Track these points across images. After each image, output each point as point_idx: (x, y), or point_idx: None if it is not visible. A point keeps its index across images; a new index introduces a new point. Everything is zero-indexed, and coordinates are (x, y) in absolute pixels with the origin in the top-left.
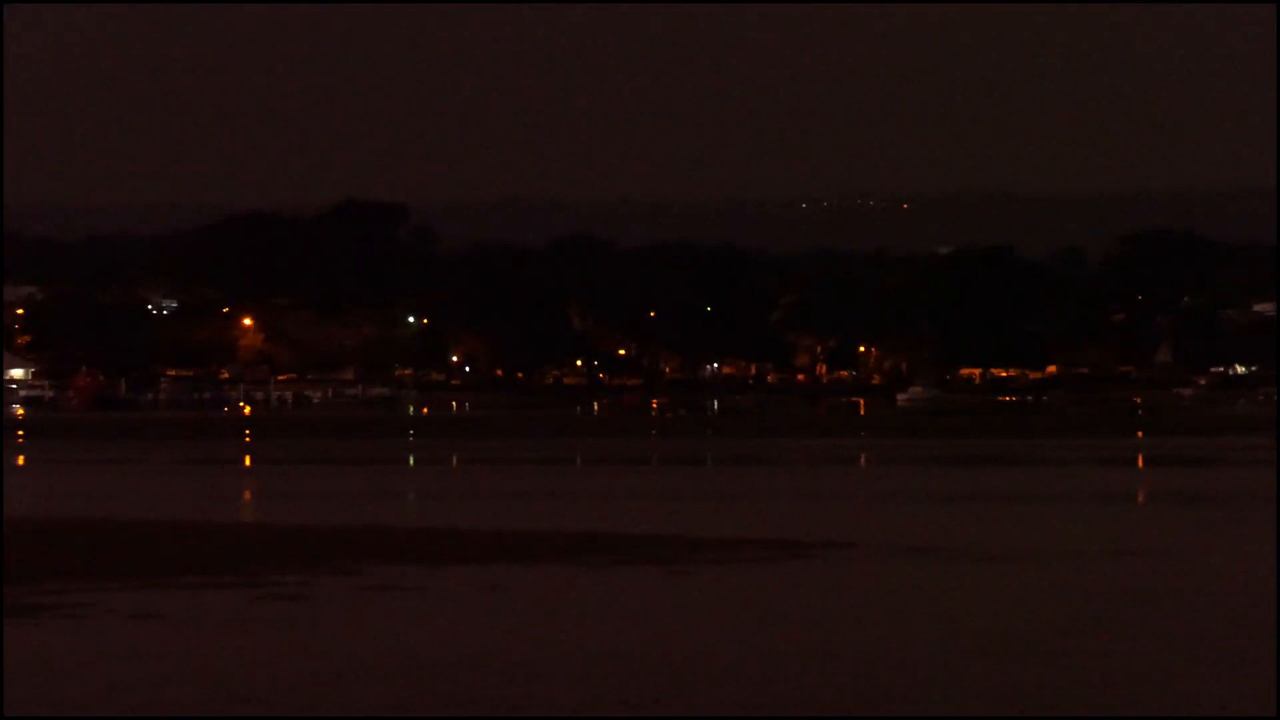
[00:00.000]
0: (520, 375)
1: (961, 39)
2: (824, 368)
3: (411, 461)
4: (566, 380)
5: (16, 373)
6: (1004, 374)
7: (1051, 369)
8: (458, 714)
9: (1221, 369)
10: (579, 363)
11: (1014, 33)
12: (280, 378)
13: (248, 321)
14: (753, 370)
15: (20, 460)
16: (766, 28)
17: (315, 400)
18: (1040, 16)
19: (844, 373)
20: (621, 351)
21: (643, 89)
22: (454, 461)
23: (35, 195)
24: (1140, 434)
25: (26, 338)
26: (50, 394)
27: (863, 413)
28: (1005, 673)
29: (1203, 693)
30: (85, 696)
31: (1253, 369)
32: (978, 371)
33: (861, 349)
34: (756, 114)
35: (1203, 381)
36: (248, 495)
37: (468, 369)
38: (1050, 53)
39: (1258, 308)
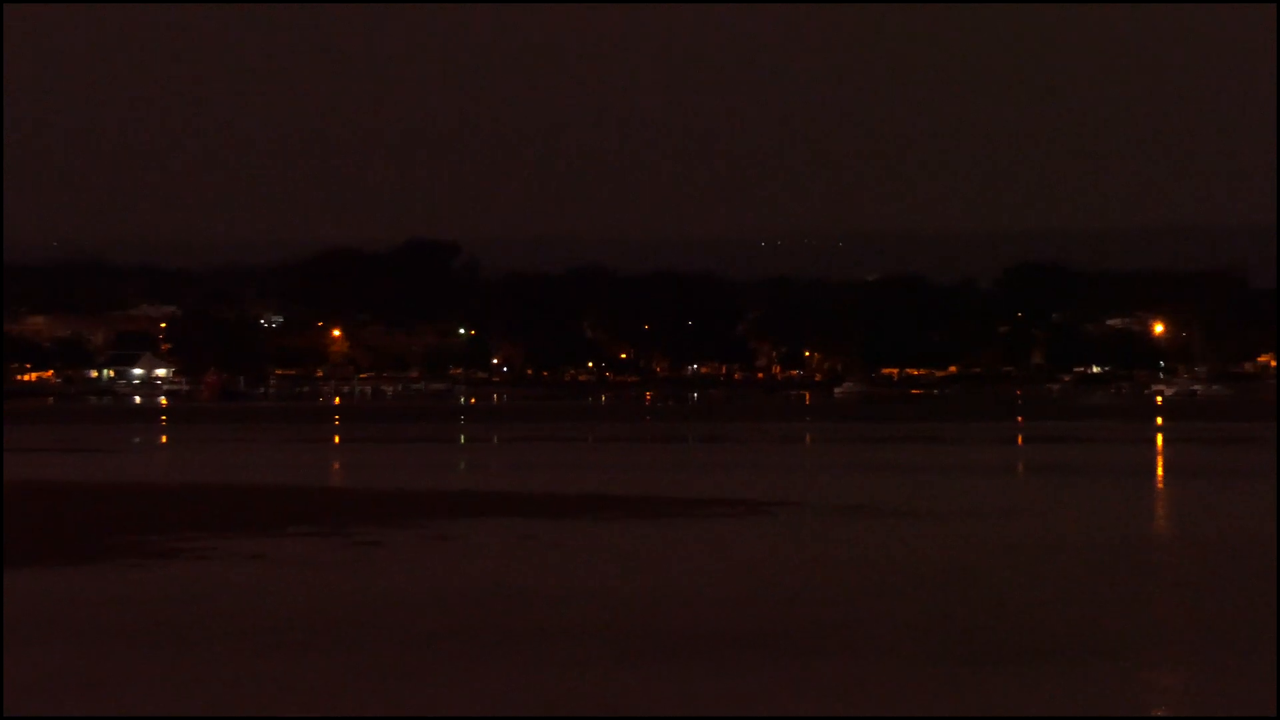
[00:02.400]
0: (545, 373)
1: (887, 106)
2: (778, 368)
3: (462, 440)
4: (581, 377)
5: (160, 372)
6: (915, 373)
7: (952, 369)
8: (495, 630)
9: (1082, 369)
10: (590, 364)
11: (930, 98)
12: (362, 375)
13: (336, 332)
14: (724, 370)
15: (163, 439)
16: (736, 97)
17: (389, 393)
18: (948, 83)
19: (793, 372)
20: (623, 355)
21: (639, 149)
22: (495, 440)
23: (175, 234)
24: (1020, 419)
25: (168, 345)
26: (185, 388)
27: (808, 402)
28: (908, 603)
29: (1063, 617)
30: (208, 615)
31: (1106, 369)
32: (896, 371)
33: (807, 353)
34: (728, 169)
35: (1067, 379)
36: (336, 466)
37: (505, 369)
38: (955, 112)
39: (1110, 322)
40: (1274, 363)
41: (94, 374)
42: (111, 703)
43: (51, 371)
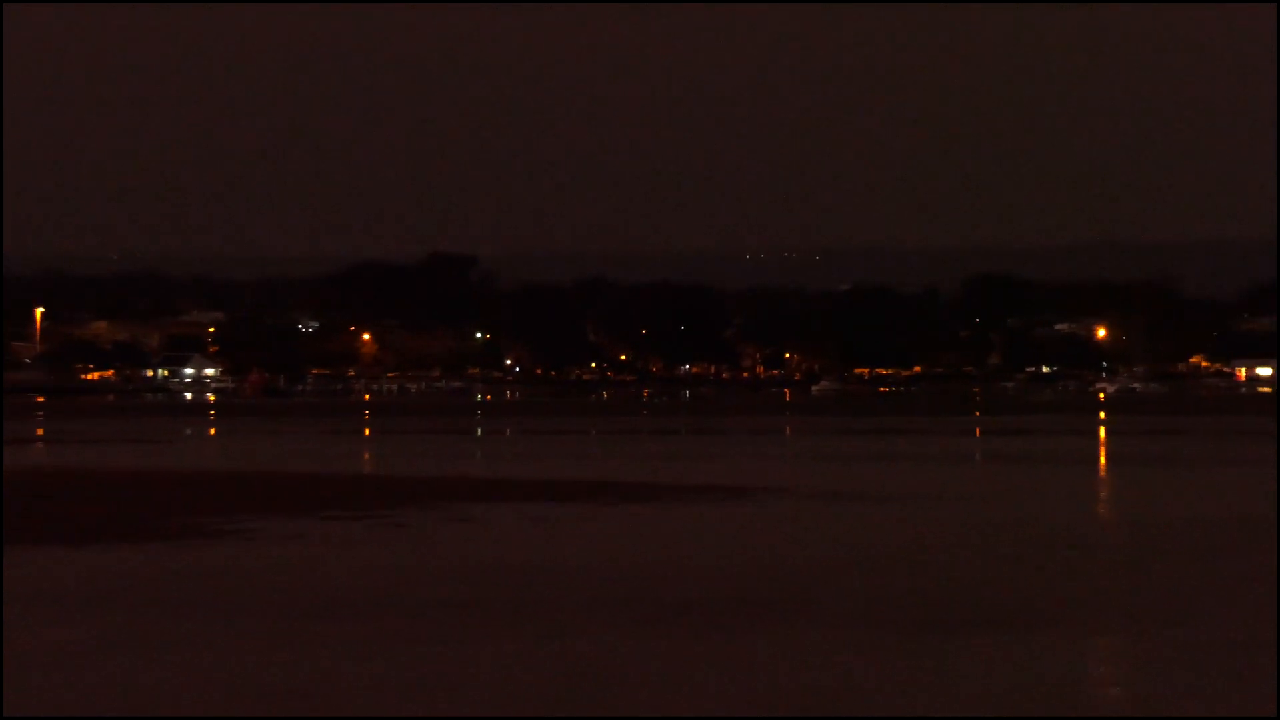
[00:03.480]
0: (553, 373)
1: (859, 135)
2: (761, 368)
3: (479, 432)
4: (584, 376)
5: (209, 371)
6: (884, 372)
7: (917, 369)
8: (508, 600)
9: (1033, 369)
10: (593, 364)
11: (898, 130)
12: (389, 375)
13: (366, 336)
14: (712, 370)
15: (212, 431)
16: (724, 128)
17: (413, 390)
18: (914, 115)
19: (775, 371)
20: (622, 356)
21: (638, 174)
22: (508, 432)
23: (222, 248)
24: (978, 413)
25: (215, 348)
26: (231, 386)
27: (788, 399)
28: (874, 576)
29: (1012, 589)
30: (253, 588)
31: (1054, 369)
32: (867, 370)
33: (787, 355)
34: (717, 192)
35: (1020, 377)
36: (366, 455)
37: (517, 369)
38: (920, 141)
39: (1058, 327)
40: (1204, 363)
41: (150, 373)
42: (164, 663)
43: (112, 371)
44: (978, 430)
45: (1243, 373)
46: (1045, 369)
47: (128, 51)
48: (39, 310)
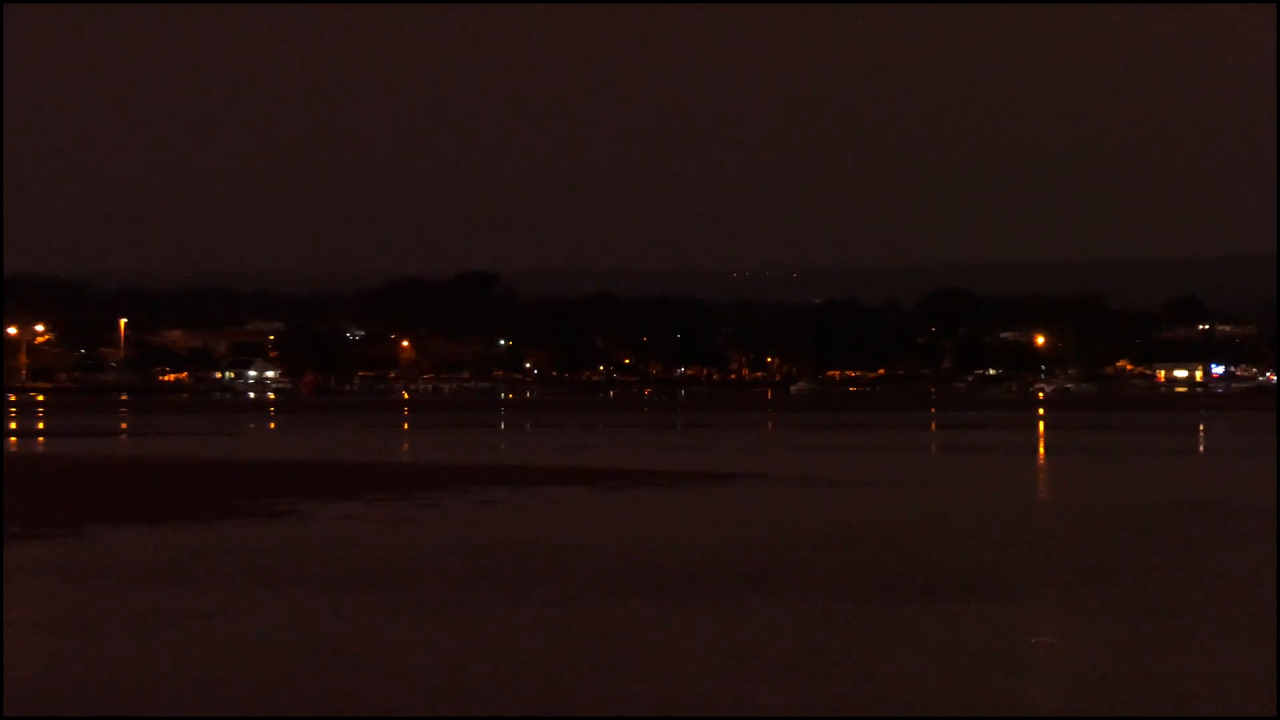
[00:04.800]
0: (566, 375)
1: (829, 165)
2: (746, 371)
3: (502, 426)
4: (594, 378)
5: (269, 373)
6: (853, 374)
7: (881, 371)
8: (528, 572)
9: (981, 371)
10: (600, 367)
11: (861, 160)
12: (425, 376)
13: (405, 343)
14: (704, 372)
15: (271, 425)
16: (711, 158)
17: (445, 390)
18: (877, 146)
19: (758, 374)
20: (626, 360)
21: (639, 203)
22: (528, 426)
23: (281, 266)
24: (934, 410)
25: (275, 353)
26: (288, 386)
27: (769, 397)
28: (841, 552)
29: (962, 564)
30: (307, 561)
31: (1000, 371)
32: (838, 373)
33: (769, 359)
34: (708, 217)
35: (970, 379)
36: (405, 446)
37: (534, 371)
38: (882, 169)
39: (1003, 335)
40: (1129, 366)
41: (218, 375)
42: (232, 626)
43: (185, 373)
44: (934, 425)
45: (1163, 375)
46: (991, 371)
47: (202, 95)
48: (123, 321)
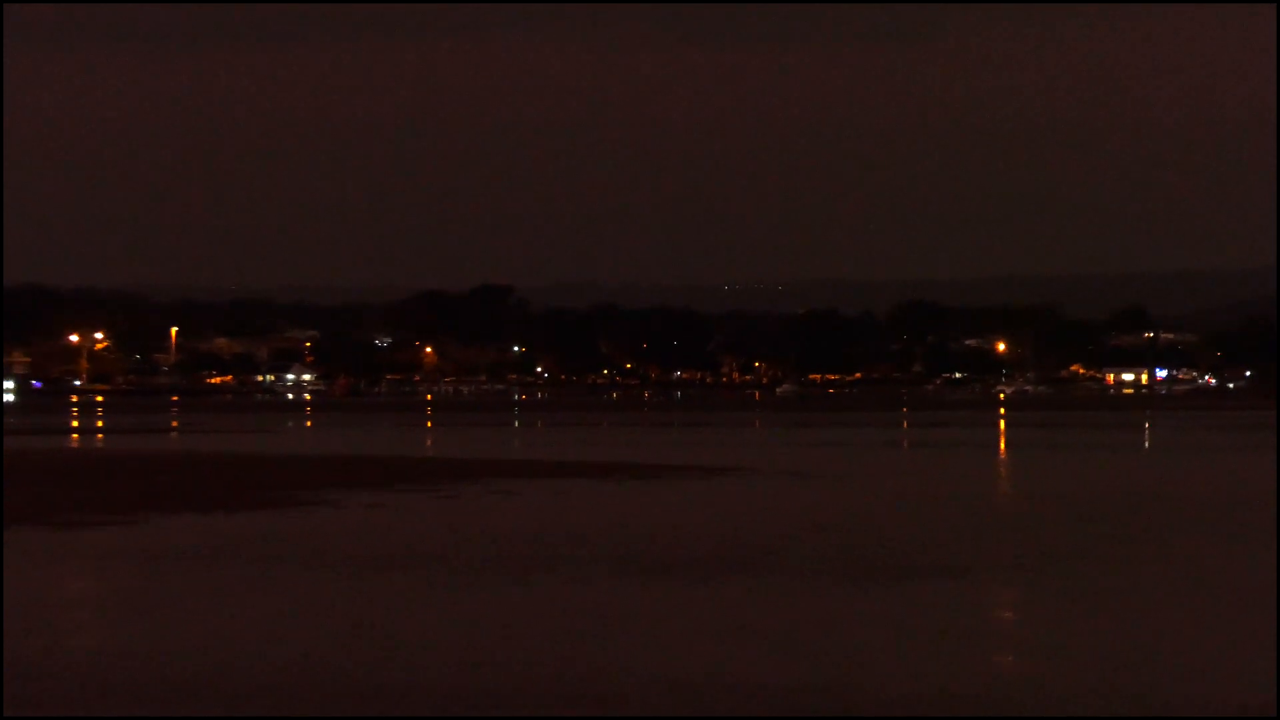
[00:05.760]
0: (574, 378)
1: (808, 187)
2: (736, 374)
3: (516, 424)
4: (598, 381)
5: (306, 376)
6: (832, 377)
7: (857, 375)
8: (538, 555)
9: (948, 375)
10: (604, 371)
11: (840, 181)
12: (446, 379)
13: (428, 349)
14: (699, 375)
15: (308, 424)
16: (699, 182)
17: (465, 392)
18: (856, 169)
19: (747, 377)
20: (628, 365)
21: (638, 223)
22: (539, 424)
23: (317, 280)
24: (905, 409)
25: (311, 358)
26: (323, 388)
27: (757, 399)
28: (819, 537)
29: (929, 548)
30: (339, 545)
31: (965, 375)
32: (819, 376)
33: (757, 364)
34: (701, 235)
35: (938, 382)
36: (429, 442)
37: (545, 374)
38: (860, 190)
39: (968, 342)
40: (1081, 370)
41: (260, 378)
42: (274, 602)
43: (230, 376)
44: (905, 423)
45: (1111, 378)
46: (957, 375)
47: (251, 130)
48: (174, 330)
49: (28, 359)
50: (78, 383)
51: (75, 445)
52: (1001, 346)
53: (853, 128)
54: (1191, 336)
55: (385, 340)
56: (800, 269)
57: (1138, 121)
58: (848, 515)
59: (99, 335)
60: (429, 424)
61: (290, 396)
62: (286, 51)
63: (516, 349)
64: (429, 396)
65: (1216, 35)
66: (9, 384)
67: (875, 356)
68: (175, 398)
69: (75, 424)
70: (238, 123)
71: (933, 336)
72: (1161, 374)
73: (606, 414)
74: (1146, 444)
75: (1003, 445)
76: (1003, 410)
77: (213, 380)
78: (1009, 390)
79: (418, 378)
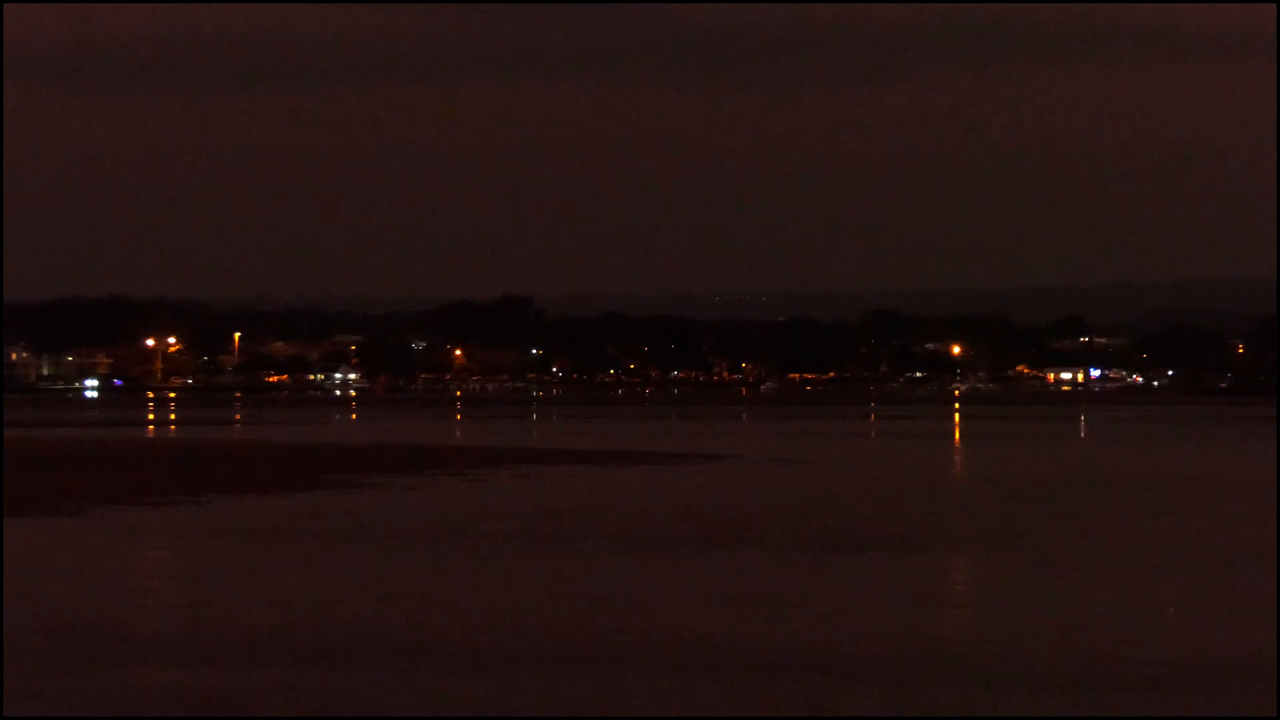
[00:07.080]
0: (585, 377)
1: (789, 205)
2: (726, 374)
3: (535, 417)
4: (606, 380)
5: (352, 376)
6: (810, 376)
7: (832, 374)
8: (554, 532)
9: (910, 374)
10: (611, 371)
11: (813, 201)
12: (474, 378)
13: (458, 352)
14: (693, 375)
15: (353, 417)
16: (696, 206)
17: (490, 389)
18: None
19: (735, 376)
20: (632, 365)
21: (640, 241)
22: (554, 417)
23: (362, 290)
24: (872, 404)
25: (356, 360)
26: (367, 386)
27: (744, 395)
28: (796, 515)
29: (893, 525)
30: (379, 523)
31: (925, 374)
32: (798, 375)
33: (744, 365)
34: (696, 252)
35: (902, 380)
36: (459, 433)
37: (559, 374)
38: (830, 208)
39: (927, 345)
40: (1025, 370)
41: (311, 377)
42: (323, 572)
43: (286, 376)
44: (873, 416)
45: (1052, 377)
46: (918, 374)
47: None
48: (237, 335)
49: (110, 359)
50: (152, 382)
51: (153, 436)
52: (956, 349)
53: (827, 161)
54: (1122, 341)
55: (420, 344)
56: (781, 282)
57: (1079, 153)
58: (819, 496)
59: (171, 339)
60: (458, 417)
61: (338, 393)
62: (340, 95)
63: (535, 351)
64: (459, 393)
65: (1147, 78)
66: (92, 381)
67: (847, 358)
68: (238, 394)
69: (151, 417)
70: (300, 155)
71: (897, 340)
72: (1095, 374)
73: (613, 408)
74: (1083, 434)
75: (958, 435)
76: (958, 405)
77: (270, 379)
78: (963, 388)
79: (449, 376)
